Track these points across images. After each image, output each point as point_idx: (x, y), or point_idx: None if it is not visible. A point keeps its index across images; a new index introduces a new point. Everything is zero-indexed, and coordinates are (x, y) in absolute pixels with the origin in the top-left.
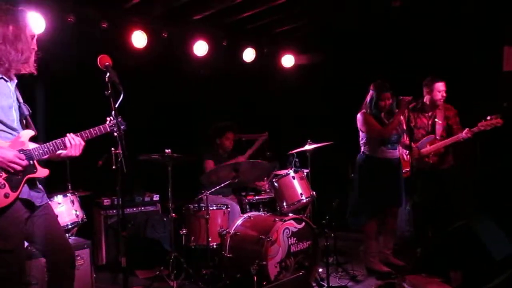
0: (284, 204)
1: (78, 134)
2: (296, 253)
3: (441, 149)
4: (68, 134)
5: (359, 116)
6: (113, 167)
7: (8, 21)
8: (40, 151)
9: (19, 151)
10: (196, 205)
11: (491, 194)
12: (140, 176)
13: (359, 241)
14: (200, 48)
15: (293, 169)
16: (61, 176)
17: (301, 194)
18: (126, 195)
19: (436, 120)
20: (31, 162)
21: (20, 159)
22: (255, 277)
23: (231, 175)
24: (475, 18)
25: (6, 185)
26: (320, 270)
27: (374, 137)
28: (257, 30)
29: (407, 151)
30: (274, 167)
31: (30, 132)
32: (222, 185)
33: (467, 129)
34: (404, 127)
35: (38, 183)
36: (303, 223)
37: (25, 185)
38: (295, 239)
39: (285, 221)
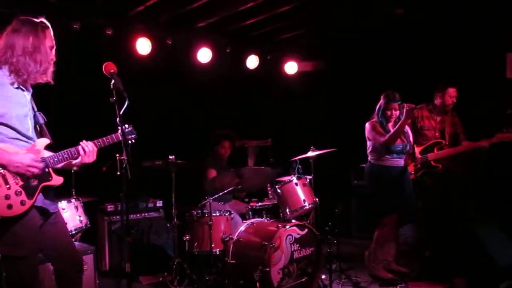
0: (287, 210)
1: (91, 142)
2: (299, 260)
3: (450, 155)
4: (81, 142)
5: (367, 124)
6: (118, 173)
7: (28, 33)
8: (55, 159)
9: None
10: (200, 211)
11: (496, 199)
12: (144, 182)
13: (363, 247)
14: (204, 55)
15: (296, 175)
16: (65, 181)
17: (304, 200)
18: (130, 201)
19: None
20: (47, 169)
21: (37, 161)
22: (258, 283)
23: (235, 182)
24: (479, 25)
25: (23, 192)
26: (323, 276)
27: (378, 144)
28: (261, 37)
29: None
30: (278, 173)
31: (46, 141)
32: (226, 191)
33: (485, 139)
34: (412, 139)
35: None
36: (306, 230)
37: (40, 193)
38: (298, 245)
39: (288, 227)
